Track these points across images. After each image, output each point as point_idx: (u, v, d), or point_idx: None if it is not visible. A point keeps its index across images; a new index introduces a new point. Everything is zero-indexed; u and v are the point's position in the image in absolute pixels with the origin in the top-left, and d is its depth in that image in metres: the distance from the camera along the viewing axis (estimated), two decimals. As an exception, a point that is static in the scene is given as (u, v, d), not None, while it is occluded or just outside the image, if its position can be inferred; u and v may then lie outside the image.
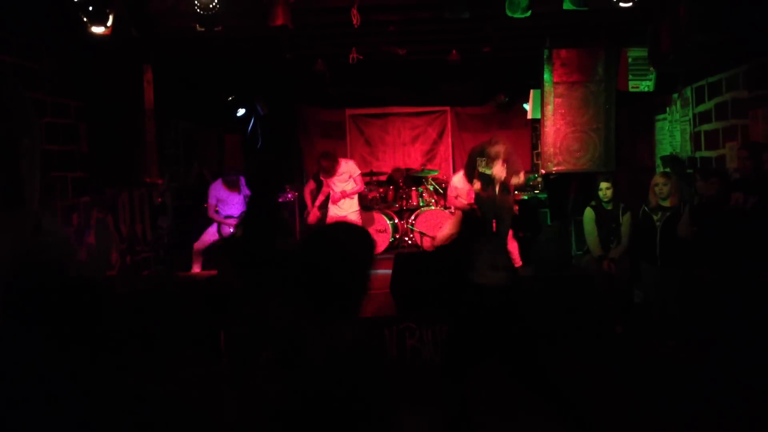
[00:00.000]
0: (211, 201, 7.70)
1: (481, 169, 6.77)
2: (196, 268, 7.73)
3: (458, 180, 7.52)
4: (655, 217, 5.90)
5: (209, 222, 7.79)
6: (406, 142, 11.05)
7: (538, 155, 8.83)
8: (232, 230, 7.58)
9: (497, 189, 6.72)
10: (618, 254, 6.28)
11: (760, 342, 4.49)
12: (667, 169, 6.85)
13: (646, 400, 4.58)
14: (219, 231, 7.72)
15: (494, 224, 6.67)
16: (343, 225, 1.86)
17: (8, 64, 5.03)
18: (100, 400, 0.69)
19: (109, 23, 4.97)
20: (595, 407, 4.06)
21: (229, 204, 7.72)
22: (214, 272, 7.13)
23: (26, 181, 0.68)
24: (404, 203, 9.59)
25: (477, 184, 6.81)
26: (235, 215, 7.61)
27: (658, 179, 5.94)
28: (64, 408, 0.67)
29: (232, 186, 7.75)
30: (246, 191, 7.67)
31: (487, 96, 10.64)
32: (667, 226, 5.79)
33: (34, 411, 0.66)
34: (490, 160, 6.70)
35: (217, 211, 7.73)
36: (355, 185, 7.93)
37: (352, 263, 1.62)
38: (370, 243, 1.74)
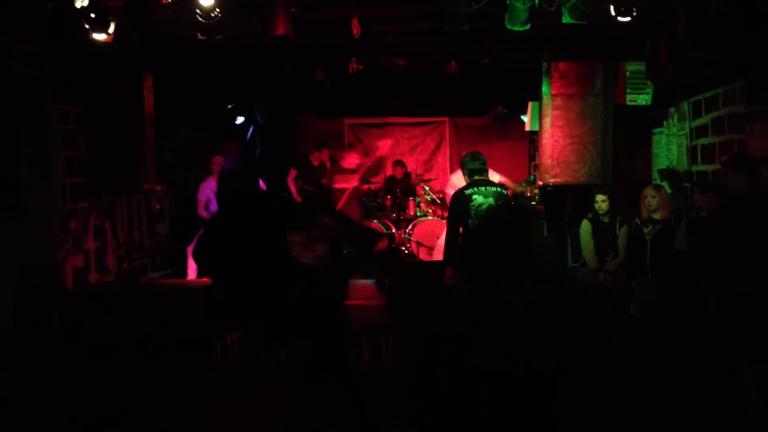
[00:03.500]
0: (201, 197, 7.60)
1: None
2: (191, 273, 7.71)
3: (457, 178, 7.56)
4: (645, 230, 5.92)
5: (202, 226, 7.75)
6: (404, 152, 11.05)
7: (536, 167, 8.86)
8: None
9: None
10: (614, 267, 6.29)
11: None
12: (664, 183, 6.88)
13: (641, 412, 4.58)
14: None
15: None
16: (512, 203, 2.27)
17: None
18: (95, 406, 0.69)
19: (111, 31, 4.99)
20: (590, 419, 4.05)
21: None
22: (209, 280, 7.13)
23: (28, 190, 0.67)
24: (401, 213, 9.58)
25: None
26: None
27: (647, 192, 5.96)
28: (56, 413, 0.67)
29: None
30: None
31: (486, 107, 10.68)
32: (657, 239, 5.80)
33: (24, 413, 0.67)
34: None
35: (207, 210, 7.70)
36: None
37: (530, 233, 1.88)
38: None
